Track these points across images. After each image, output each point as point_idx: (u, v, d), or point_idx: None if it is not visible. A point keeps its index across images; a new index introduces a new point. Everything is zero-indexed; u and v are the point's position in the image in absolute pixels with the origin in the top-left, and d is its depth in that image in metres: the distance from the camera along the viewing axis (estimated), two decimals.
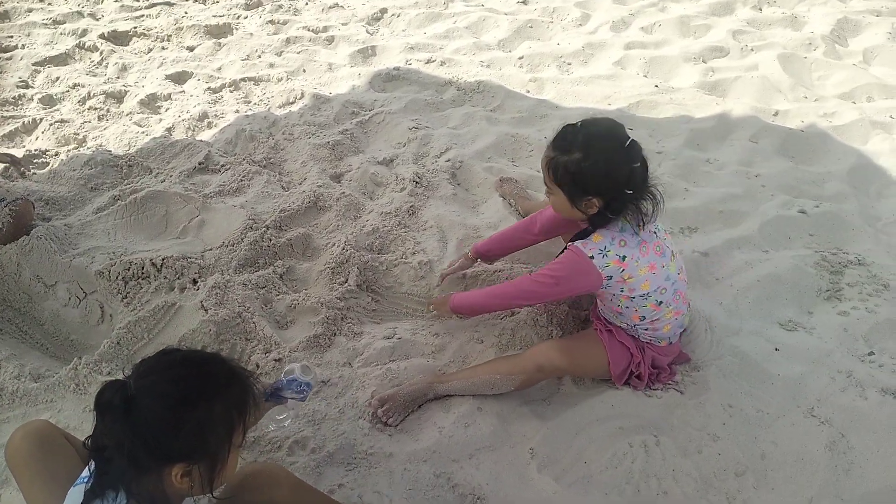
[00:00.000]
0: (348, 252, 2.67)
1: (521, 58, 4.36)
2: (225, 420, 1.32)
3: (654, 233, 2.03)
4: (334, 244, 2.76)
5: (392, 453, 1.96)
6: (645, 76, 4.16)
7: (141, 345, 2.31)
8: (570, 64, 4.35)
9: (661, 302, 2.03)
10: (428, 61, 4.21)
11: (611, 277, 1.96)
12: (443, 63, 4.22)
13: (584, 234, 2.01)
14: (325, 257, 2.70)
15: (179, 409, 1.26)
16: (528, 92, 3.99)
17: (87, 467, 1.41)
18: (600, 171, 1.87)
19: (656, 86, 4.00)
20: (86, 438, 1.33)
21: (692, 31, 4.69)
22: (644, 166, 1.91)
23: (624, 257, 1.95)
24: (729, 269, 2.61)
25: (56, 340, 2.45)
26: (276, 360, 2.26)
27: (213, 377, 1.35)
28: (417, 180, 3.12)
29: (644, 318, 2.06)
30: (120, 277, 2.47)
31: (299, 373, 1.83)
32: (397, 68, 4.07)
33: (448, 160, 3.28)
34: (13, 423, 2.04)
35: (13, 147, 3.27)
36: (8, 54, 4.07)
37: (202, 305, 2.37)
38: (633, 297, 2.01)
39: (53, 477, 1.52)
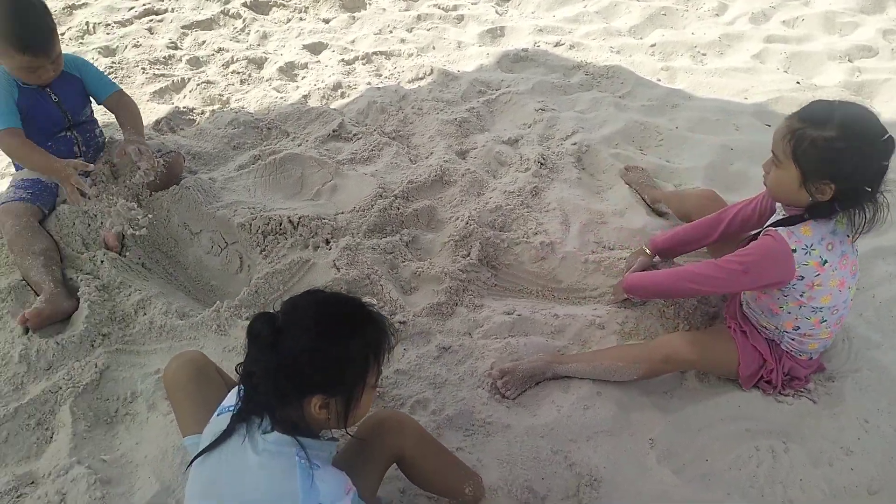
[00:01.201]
0: (471, 227, 2.72)
1: (653, 45, 4.26)
2: (361, 358, 1.39)
3: (855, 250, 1.91)
4: (458, 218, 2.82)
5: (510, 425, 2.00)
6: (785, 72, 3.98)
7: (276, 295, 2.45)
8: (704, 54, 4.21)
9: (825, 320, 1.94)
10: (557, 44, 4.19)
11: (802, 279, 1.85)
12: (572, 47, 4.19)
13: (789, 222, 1.86)
14: (449, 230, 2.76)
15: (320, 341, 1.33)
16: (660, 80, 3.90)
17: (229, 396, 1.52)
18: (853, 156, 1.71)
19: (798, 82, 3.82)
20: (237, 364, 1.42)
21: (838, 28, 4.43)
22: (887, 168, 1.74)
23: (825, 262, 1.82)
24: (872, 280, 2.48)
25: (197, 284, 2.63)
26: (401, 322, 2.35)
27: (353, 317, 1.42)
28: (542, 162, 3.13)
29: (799, 328, 1.98)
30: (260, 231, 2.62)
31: None
32: (525, 50, 4.07)
33: (574, 144, 3.27)
34: (159, 354, 2.22)
35: (163, 103, 3.51)
36: (160, 17, 4.35)
37: (334, 264, 2.49)
38: (804, 306, 1.91)
39: (204, 402, 1.65)
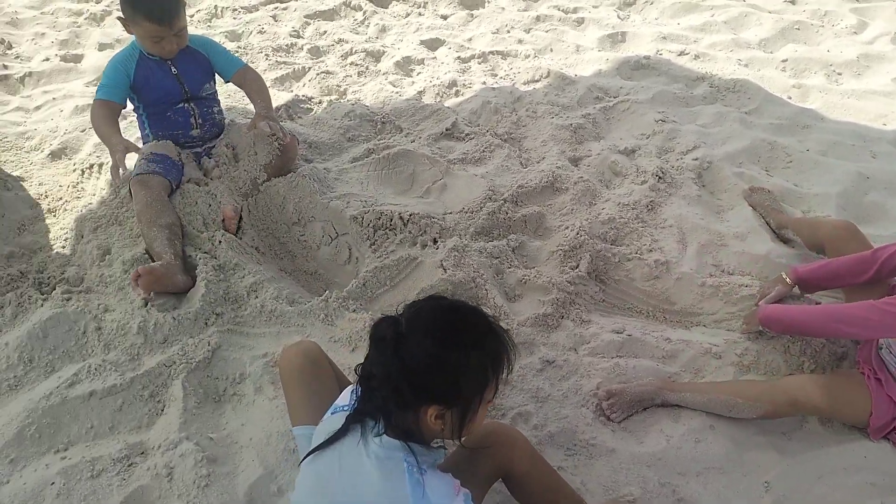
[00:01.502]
0: (582, 238, 2.64)
1: (784, 60, 4.03)
2: (480, 371, 1.36)
3: None
4: (568, 227, 2.74)
5: (615, 449, 1.92)
6: None
7: (383, 290, 2.46)
8: (840, 74, 3.95)
9: None
10: (681, 53, 4.03)
11: None
12: (696, 57, 4.01)
13: None
14: (558, 239, 2.69)
15: (442, 349, 1.31)
16: (790, 98, 3.68)
17: (343, 395, 1.52)
18: None
19: None
20: (357, 366, 1.41)
21: None
22: None
23: None
24: None
25: (306, 272, 2.68)
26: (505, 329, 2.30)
27: (475, 327, 1.39)
28: (660, 175, 3.01)
29: None
30: (371, 225, 2.63)
31: None
32: (647, 57, 3.93)
33: (695, 159, 3.13)
34: (268, 338, 2.26)
35: (283, 90, 3.60)
36: (284, 5, 4.48)
37: (441, 264, 2.47)
38: None
39: (315, 393, 1.66)
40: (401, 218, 2.65)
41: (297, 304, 2.39)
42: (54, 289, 2.36)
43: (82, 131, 3.12)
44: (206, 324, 2.25)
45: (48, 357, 2.09)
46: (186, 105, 2.69)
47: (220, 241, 2.50)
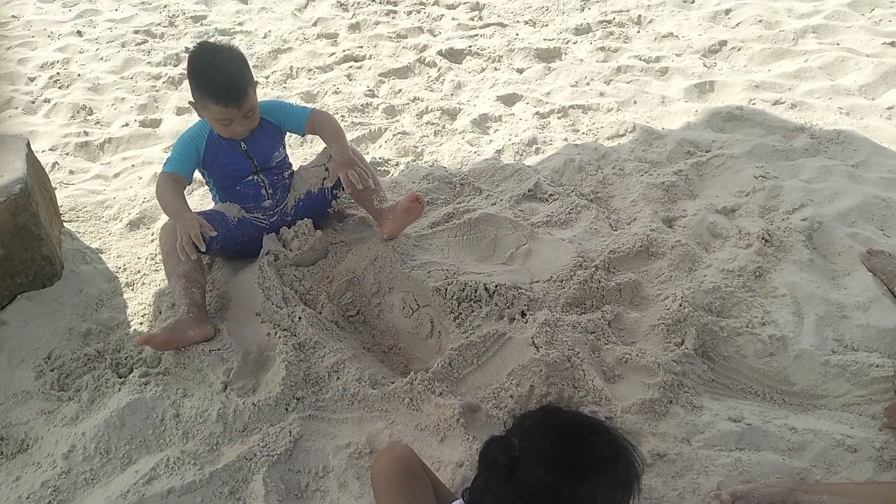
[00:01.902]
0: (686, 309, 2.44)
1: (889, 108, 3.76)
2: (608, 499, 1.20)
3: None
4: (668, 297, 2.55)
5: None
6: None
7: (470, 370, 2.31)
8: None
9: None
10: (775, 102, 3.81)
11: None
12: (793, 106, 3.79)
13: None
14: (658, 311, 2.50)
15: (563, 479, 1.17)
16: None
17: None
18: None
19: None
20: (464, 491, 1.31)
21: None
22: None
23: None
24: None
25: (385, 345, 2.56)
26: (606, 417, 2.12)
27: (601, 449, 1.24)
28: (767, 238, 2.79)
29: None
30: (455, 297, 2.50)
31: None
32: (740, 108, 3.73)
33: (804, 219, 2.89)
34: (351, 425, 2.13)
35: (361, 151, 3.55)
36: (359, 63, 4.49)
37: (533, 342, 2.31)
38: None
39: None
40: (486, 289, 2.52)
41: (380, 385, 2.26)
42: (131, 370, 2.31)
43: None
44: (287, 409, 2.15)
45: (125, 447, 2.02)
46: (256, 177, 2.65)
47: (299, 318, 2.41)
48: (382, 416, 2.16)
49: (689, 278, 2.66)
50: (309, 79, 4.29)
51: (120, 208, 3.10)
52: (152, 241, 2.91)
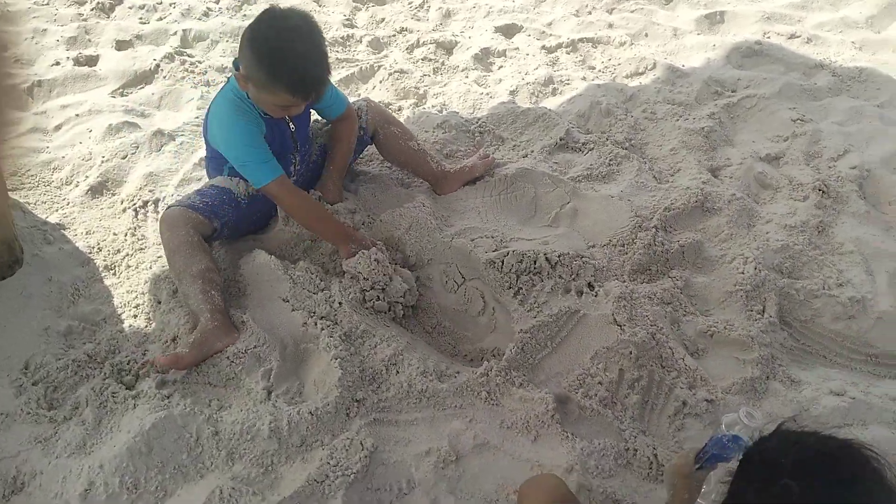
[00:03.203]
0: (762, 273, 2.33)
1: None
2: None
3: None
4: (735, 259, 2.43)
5: None
6: None
7: (545, 353, 2.11)
8: None
9: None
10: (791, 36, 3.72)
11: None
12: (809, 40, 3.71)
13: None
14: (729, 275, 2.38)
15: None
16: None
17: None
18: None
19: None
20: None
21: None
22: None
23: None
24: None
25: (427, 325, 2.32)
26: (707, 400, 1.99)
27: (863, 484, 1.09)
28: (824, 189, 2.71)
29: None
30: (512, 270, 2.27)
31: (747, 422, 1.53)
32: (759, 42, 3.61)
33: (853, 167, 2.83)
34: (422, 426, 1.91)
35: (350, 94, 3.19)
36: None
37: (615, 320, 2.13)
38: None
39: None
40: (547, 259, 2.30)
41: (447, 378, 2.03)
42: (138, 378, 1.96)
43: (123, 157, 2.68)
44: (349, 415, 1.89)
45: (157, 478, 1.71)
46: (291, 156, 2.30)
47: (339, 303, 2.12)
48: (458, 414, 1.95)
49: (750, 236, 2.55)
50: (269, 3, 3.80)
51: (73, 170, 2.64)
52: (124, 210, 2.49)
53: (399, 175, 2.72)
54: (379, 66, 3.27)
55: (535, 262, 2.30)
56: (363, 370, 2.00)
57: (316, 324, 2.08)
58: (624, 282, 2.32)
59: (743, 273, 2.35)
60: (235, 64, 2.09)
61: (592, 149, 2.88)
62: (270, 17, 1.96)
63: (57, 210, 2.45)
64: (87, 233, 2.38)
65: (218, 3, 3.82)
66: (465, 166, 2.67)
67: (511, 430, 1.91)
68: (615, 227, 2.51)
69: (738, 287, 2.31)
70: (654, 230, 2.48)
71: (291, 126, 2.24)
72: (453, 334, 2.32)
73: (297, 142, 2.29)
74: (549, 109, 3.04)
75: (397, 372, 2.01)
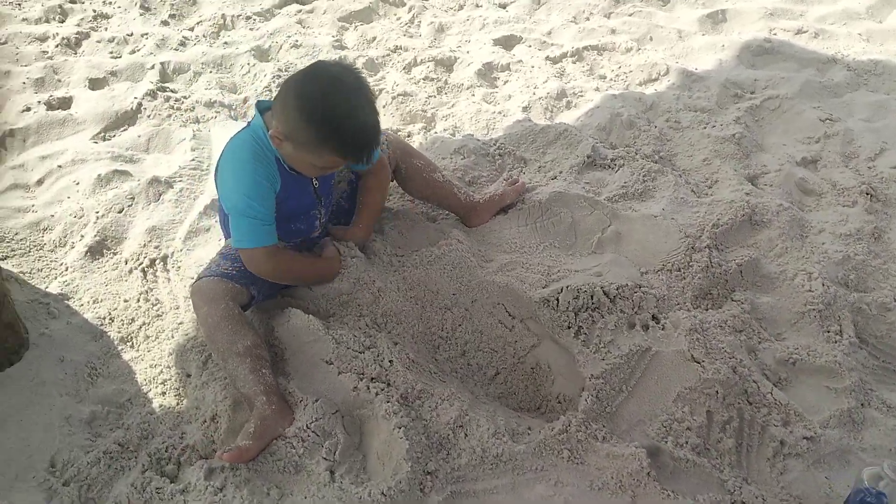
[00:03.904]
0: (832, 290, 2.24)
1: None
2: None
3: None
4: (797, 275, 2.34)
5: None
6: None
7: (621, 399, 1.98)
8: None
9: None
10: (798, 31, 3.68)
11: None
12: (816, 35, 3.67)
13: None
14: (798, 294, 2.28)
15: None
16: None
17: None
18: None
19: None
20: None
21: None
22: None
23: None
24: None
25: (488, 375, 2.17)
26: (805, 438, 1.88)
27: None
28: (871, 193, 2.64)
29: None
30: (570, 308, 2.14)
31: (893, 476, 1.44)
32: (769, 40, 3.56)
33: (894, 166, 2.78)
34: (504, 495, 1.76)
35: None
36: (310, 6, 3.85)
37: (692, 356, 2.00)
38: None
39: None
40: (605, 293, 2.17)
41: (521, 436, 1.88)
42: (179, 464, 1.77)
43: (119, 211, 2.46)
44: (423, 491, 1.73)
45: None
46: (315, 211, 2.12)
47: (391, 362, 1.96)
48: (540, 478, 1.80)
49: (805, 248, 2.46)
50: (251, 29, 3.61)
51: (66, 229, 2.41)
52: (130, 271, 2.28)
53: (424, 209, 2.57)
54: (380, 90, 3.10)
55: (592, 297, 2.16)
56: (429, 437, 1.84)
57: (368, 387, 1.90)
58: (689, 311, 2.20)
59: (811, 291, 2.26)
60: (259, 106, 1.92)
61: (623, 165, 2.77)
62: (321, 75, 1.79)
63: (56, 278, 2.23)
64: (94, 301, 2.16)
65: (193, 31, 3.60)
66: (495, 194, 2.54)
67: (603, 491, 1.77)
68: (666, 249, 2.40)
69: (810, 307, 2.22)
70: (707, 250, 2.38)
71: (315, 182, 2.06)
72: (510, 383, 2.18)
73: (320, 197, 2.11)
74: (569, 125, 2.92)
75: (465, 435, 1.85)
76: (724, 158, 2.82)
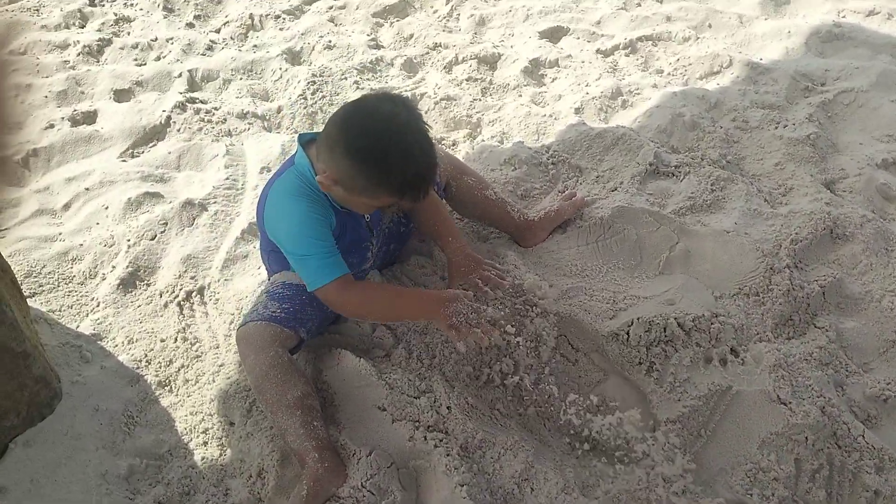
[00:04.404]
0: None
1: None
2: None
3: None
4: (884, 296, 2.19)
5: None
6: None
7: (700, 445, 1.85)
8: None
9: None
10: (869, 13, 3.45)
11: None
12: (889, 16, 3.45)
13: None
14: (888, 319, 2.13)
15: None
16: None
17: None
18: None
19: None
20: None
21: None
22: None
23: None
24: None
25: (552, 415, 2.05)
26: None
27: None
28: None
29: None
30: (641, 342, 2.01)
31: None
32: (838, 24, 3.35)
33: None
34: None
35: None
36: (341, 2, 3.71)
37: (778, 397, 1.87)
38: None
39: None
40: (679, 325, 2.03)
41: (592, 489, 1.77)
42: None
43: (152, 238, 2.38)
44: None
45: None
46: (368, 243, 2.00)
47: (449, 408, 1.85)
48: None
49: (891, 265, 2.30)
50: (281, 29, 3.48)
51: (95, 259, 2.33)
52: (166, 305, 2.20)
53: (474, 227, 2.44)
54: (422, 94, 2.97)
55: (665, 330, 2.03)
56: (493, 493, 1.73)
57: (425, 437, 1.80)
58: (771, 341, 2.06)
59: None
60: (301, 140, 1.80)
61: (688, 172, 2.61)
62: (370, 112, 1.67)
63: (87, 315, 2.15)
64: (128, 342, 2.08)
65: (219, 33, 3.49)
66: (551, 210, 2.40)
67: None
68: (742, 270, 2.25)
69: None
70: (788, 270, 2.22)
71: (367, 216, 1.95)
72: (573, 425, 2.06)
73: (371, 229, 2.00)
74: (627, 128, 2.76)
75: (532, 489, 1.75)
76: (798, 162, 2.65)
